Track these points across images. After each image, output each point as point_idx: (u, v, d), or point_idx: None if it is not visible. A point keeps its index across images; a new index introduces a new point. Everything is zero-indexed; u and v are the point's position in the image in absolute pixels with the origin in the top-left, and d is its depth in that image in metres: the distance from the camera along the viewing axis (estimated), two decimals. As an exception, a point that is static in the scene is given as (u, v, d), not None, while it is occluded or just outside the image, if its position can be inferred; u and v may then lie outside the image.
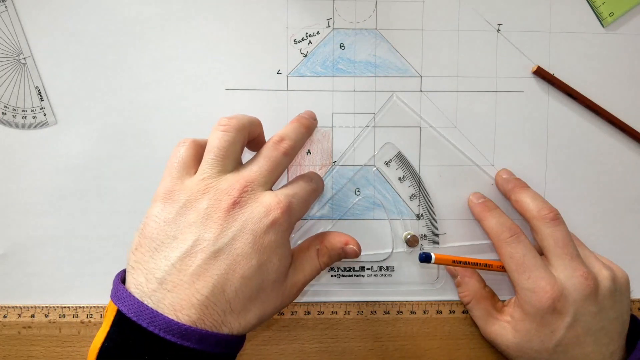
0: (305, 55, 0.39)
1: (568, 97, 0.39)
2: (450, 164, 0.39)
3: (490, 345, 0.39)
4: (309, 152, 0.39)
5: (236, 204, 0.28)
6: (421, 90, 0.39)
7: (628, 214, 0.40)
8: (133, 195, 0.38)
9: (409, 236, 0.39)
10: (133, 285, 0.27)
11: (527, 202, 0.37)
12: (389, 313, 0.39)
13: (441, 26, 0.39)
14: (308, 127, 0.35)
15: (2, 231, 0.38)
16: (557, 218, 0.35)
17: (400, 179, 0.39)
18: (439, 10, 0.39)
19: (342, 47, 0.39)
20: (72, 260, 0.38)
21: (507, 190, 0.38)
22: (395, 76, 0.39)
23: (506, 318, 0.36)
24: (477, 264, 0.37)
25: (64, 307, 0.39)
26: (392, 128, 0.39)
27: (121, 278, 0.29)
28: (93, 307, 0.39)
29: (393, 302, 0.40)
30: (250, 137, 0.33)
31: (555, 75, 0.39)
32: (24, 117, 0.38)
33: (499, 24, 0.39)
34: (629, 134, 0.39)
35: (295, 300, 0.39)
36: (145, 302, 0.26)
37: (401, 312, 0.39)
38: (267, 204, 0.28)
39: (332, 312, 0.39)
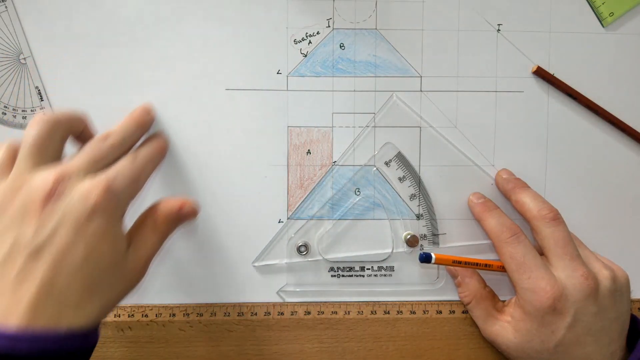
0: (305, 55, 0.39)
1: (568, 97, 0.39)
2: (450, 164, 0.39)
3: (491, 345, 0.39)
4: (309, 152, 0.39)
5: (51, 195, 0.26)
6: (421, 90, 0.39)
7: (628, 214, 0.40)
8: (133, 195, 0.38)
9: (409, 236, 0.39)
10: None
11: (527, 202, 0.37)
12: (389, 313, 0.39)
13: (441, 26, 0.39)
14: (139, 122, 0.35)
15: (2, 231, 0.38)
16: (557, 218, 0.35)
17: (400, 179, 0.39)
18: (439, 10, 0.39)
19: (342, 47, 0.39)
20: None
21: (507, 190, 0.38)
22: (395, 76, 0.39)
23: (506, 318, 0.36)
24: (477, 264, 0.37)
25: None
26: (392, 128, 0.39)
27: None
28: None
29: (393, 302, 0.40)
30: (73, 132, 0.32)
31: (555, 75, 0.39)
32: (24, 117, 0.38)
33: (499, 24, 0.39)
34: (629, 134, 0.39)
35: (295, 300, 0.39)
36: None
37: (401, 312, 0.39)
38: (85, 189, 0.27)
39: (332, 312, 0.39)
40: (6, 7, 0.37)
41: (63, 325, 0.25)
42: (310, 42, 0.39)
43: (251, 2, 0.38)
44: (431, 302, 0.40)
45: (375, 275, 0.40)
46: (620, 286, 0.35)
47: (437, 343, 0.40)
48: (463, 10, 0.39)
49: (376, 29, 0.39)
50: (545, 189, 0.40)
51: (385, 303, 0.40)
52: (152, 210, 0.32)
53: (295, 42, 0.39)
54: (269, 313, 0.39)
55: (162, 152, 0.36)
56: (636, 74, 0.40)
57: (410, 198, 0.39)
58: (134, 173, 0.30)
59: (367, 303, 0.40)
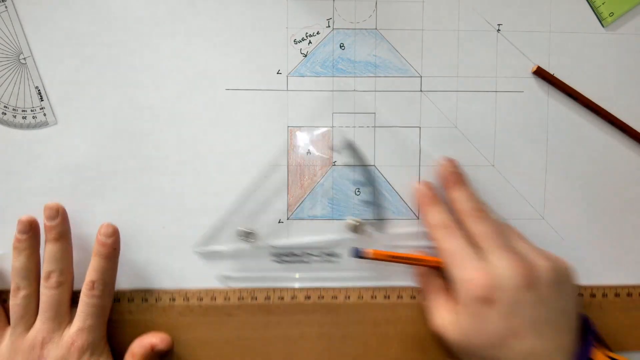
0: (305, 55, 0.39)
1: (568, 97, 0.39)
2: (450, 164, 0.39)
3: None
4: (309, 152, 0.39)
5: (41, 358, 0.35)
6: (421, 90, 0.39)
7: (628, 214, 0.40)
8: (133, 195, 0.38)
9: (354, 222, 0.39)
10: None
11: (458, 199, 0.37)
12: (389, 298, 0.39)
13: (441, 26, 0.39)
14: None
15: (2, 231, 0.38)
16: (482, 213, 0.36)
17: (348, 166, 0.39)
18: (439, 10, 0.39)
19: (342, 47, 0.39)
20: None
21: (443, 184, 0.38)
22: (395, 76, 0.39)
23: (449, 313, 0.36)
24: (413, 259, 0.37)
25: None
26: (392, 128, 0.39)
27: None
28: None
29: (393, 287, 0.39)
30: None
31: (555, 75, 0.39)
32: (24, 117, 0.38)
33: (499, 24, 0.39)
34: (629, 134, 0.39)
35: (296, 286, 0.39)
36: None
37: (401, 297, 0.39)
38: (67, 347, 0.35)
39: (332, 296, 0.39)
40: (6, 7, 0.37)
41: None
42: (310, 42, 0.39)
43: (251, 2, 0.38)
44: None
45: (323, 262, 0.39)
46: (563, 278, 0.34)
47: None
48: (463, 10, 0.39)
49: (376, 29, 0.39)
50: (545, 189, 0.40)
51: (386, 288, 0.39)
52: (129, 352, 0.37)
53: (295, 42, 0.39)
54: (269, 297, 0.39)
55: (112, 259, 0.37)
56: (636, 74, 0.40)
57: (355, 185, 0.39)
58: (100, 309, 0.36)
59: (366, 288, 0.39)
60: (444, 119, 0.39)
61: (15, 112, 0.38)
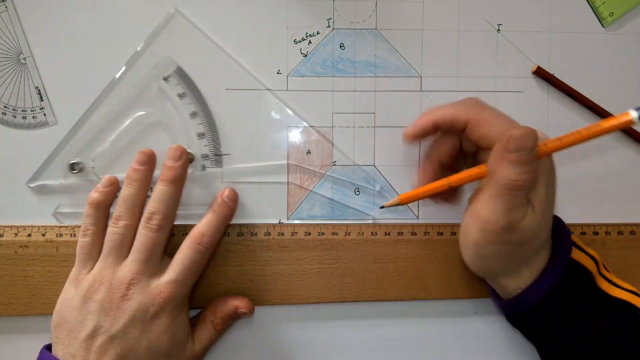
0: (305, 55, 0.39)
1: (568, 97, 0.39)
2: (450, 164, 0.39)
3: None
4: (309, 152, 0.39)
5: (125, 297, 0.33)
6: (421, 90, 0.39)
7: (628, 214, 0.40)
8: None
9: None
10: (55, 355, 0.33)
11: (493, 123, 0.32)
12: (389, 234, 0.39)
13: (441, 26, 0.39)
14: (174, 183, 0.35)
15: (3, 231, 0.38)
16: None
17: (180, 96, 0.38)
18: (439, 10, 0.39)
19: (342, 47, 0.39)
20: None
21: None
22: (395, 76, 0.39)
23: (489, 200, 0.31)
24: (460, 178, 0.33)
25: (61, 227, 0.38)
26: (392, 128, 0.39)
27: (47, 347, 0.34)
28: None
29: (394, 224, 0.39)
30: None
31: (555, 75, 0.39)
32: (24, 117, 0.38)
33: (499, 24, 0.39)
34: (629, 134, 0.39)
35: (296, 222, 0.39)
36: None
37: (402, 233, 0.39)
38: (152, 295, 0.33)
39: (332, 233, 0.39)
40: (6, 7, 0.37)
41: None
42: (310, 42, 0.39)
43: (251, 2, 0.38)
44: (432, 224, 0.39)
45: None
46: None
47: (437, 265, 0.39)
48: (463, 10, 0.39)
49: (376, 29, 0.39)
50: (545, 189, 0.40)
51: (387, 225, 0.39)
52: (211, 309, 0.36)
53: (295, 42, 0.39)
54: (269, 233, 0.39)
55: (227, 221, 0.37)
56: (636, 74, 0.40)
57: (191, 116, 0.38)
58: (196, 263, 0.34)
59: (367, 225, 0.39)
60: (444, 119, 0.39)
61: (15, 112, 0.38)
